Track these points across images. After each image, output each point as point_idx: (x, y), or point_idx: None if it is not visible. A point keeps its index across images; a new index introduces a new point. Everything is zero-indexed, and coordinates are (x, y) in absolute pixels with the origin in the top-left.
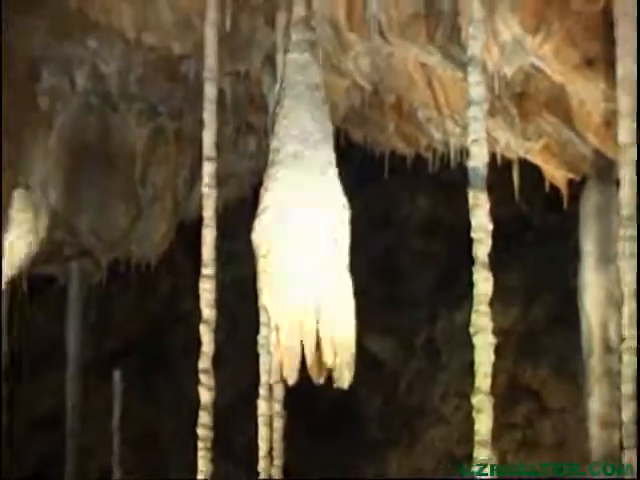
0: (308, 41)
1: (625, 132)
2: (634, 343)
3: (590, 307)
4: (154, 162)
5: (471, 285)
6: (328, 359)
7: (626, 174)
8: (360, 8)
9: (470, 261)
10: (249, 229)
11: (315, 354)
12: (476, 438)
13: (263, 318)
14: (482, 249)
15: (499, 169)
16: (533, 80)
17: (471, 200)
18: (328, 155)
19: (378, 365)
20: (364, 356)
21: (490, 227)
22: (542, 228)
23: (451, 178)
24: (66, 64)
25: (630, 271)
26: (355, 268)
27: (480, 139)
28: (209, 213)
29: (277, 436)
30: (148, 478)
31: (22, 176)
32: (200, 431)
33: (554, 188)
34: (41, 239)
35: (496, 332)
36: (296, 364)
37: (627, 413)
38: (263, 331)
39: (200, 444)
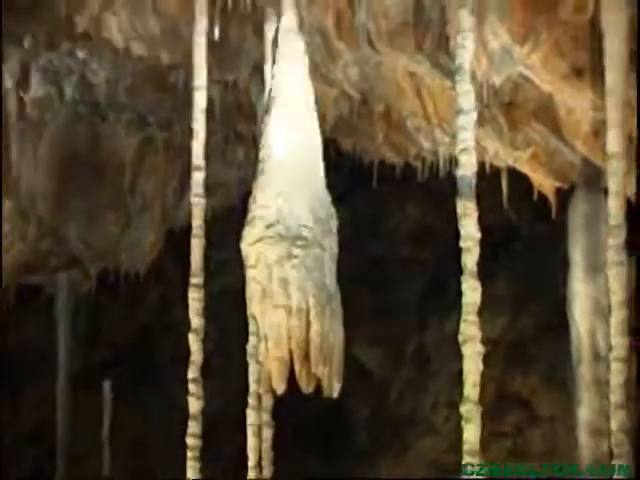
0: (297, 50)
1: (613, 141)
2: (622, 352)
3: (579, 316)
4: (143, 172)
5: (460, 294)
6: (317, 369)
7: (614, 183)
8: (349, 17)
9: (459, 270)
10: (238, 238)
11: (304, 364)
12: (465, 447)
13: (252, 328)
14: (471, 258)
15: (487, 178)
16: (521, 89)
17: (460, 209)
18: (317, 164)
19: (367, 375)
20: (353, 366)
21: (478, 236)
22: (530, 237)
23: (440, 187)
24: (55, 74)
25: (618, 280)
26: (344, 277)
27: (469, 148)
28: (198, 222)
29: (266, 446)
30: None
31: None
32: (189, 440)
33: (542, 197)
34: (29, 249)
35: (485, 341)
36: (285, 374)
37: (616, 421)
38: (252, 340)
39: (189, 453)
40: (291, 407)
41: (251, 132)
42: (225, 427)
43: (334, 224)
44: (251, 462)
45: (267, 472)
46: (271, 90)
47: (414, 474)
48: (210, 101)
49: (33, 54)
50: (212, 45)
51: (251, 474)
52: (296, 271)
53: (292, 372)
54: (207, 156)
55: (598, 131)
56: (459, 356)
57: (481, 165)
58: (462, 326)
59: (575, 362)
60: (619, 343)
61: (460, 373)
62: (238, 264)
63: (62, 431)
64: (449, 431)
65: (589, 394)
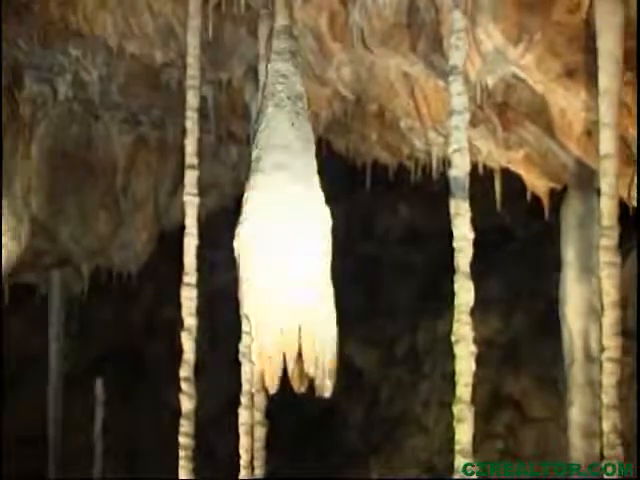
0: (290, 50)
1: (606, 143)
2: (615, 353)
3: (571, 317)
4: (136, 171)
5: (453, 294)
6: (310, 368)
7: (607, 184)
8: (342, 18)
9: (451, 270)
10: (231, 238)
11: (297, 363)
12: (457, 447)
13: (245, 327)
14: (463, 259)
15: (480, 178)
16: (515, 90)
17: (453, 209)
18: (310, 165)
19: (359, 375)
20: (346, 366)
21: (471, 236)
22: (524, 237)
23: (433, 187)
24: (48, 72)
25: (611, 281)
26: (337, 278)
27: (462, 149)
28: (191, 222)
29: (259, 445)
30: None
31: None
32: (182, 439)
33: (536, 197)
34: (23, 247)
35: (478, 341)
36: (278, 373)
37: (608, 423)
38: (245, 340)
39: (182, 452)
40: (283, 407)
41: (244, 132)
42: (217, 426)
43: (328, 225)
44: (243, 461)
45: (259, 472)
46: (264, 90)
47: (405, 474)
48: (203, 100)
49: (27, 52)
50: (206, 44)
51: (243, 473)
52: (289, 271)
53: (285, 372)
54: (200, 155)
55: (591, 131)
56: (451, 357)
57: (474, 166)
58: (455, 326)
59: (567, 363)
60: (611, 344)
61: (452, 374)
62: (231, 263)
63: (54, 430)
64: (440, 431)
65: (581, 395)
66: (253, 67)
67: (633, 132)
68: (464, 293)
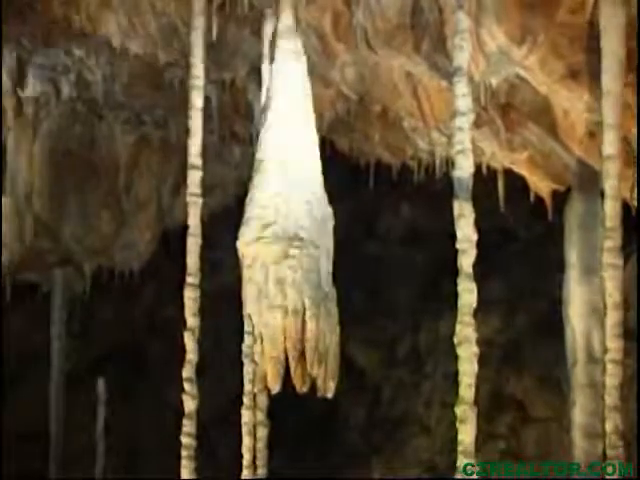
0: (294, 51)
1: (609, 144)
2: (617, 354)
3: (574, 317)
4: (139, 170)
5: (455, 295)
6: (312, 368)
7: (610, 186)
8: (346, 18)
9: (453, 271)
10: (234, 238)
11: (299, 363)
12: (459, 448)
13: (247, 327)
14: (467, 259)
15: (483, 179)
16: (518, 91)
17: (456, 210)
18: (313, 164)
19: (361, 375)
20: (347, 366)
21: (475, 237)
22: (527, 238)
23: (435, 187)
24: (51, 71)
25: (614, 282)
26: (339, 278)
27: (466, 150)
28: (194, 222)
29: (261, 445)
30: None
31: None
32: (184, 439)
33: (539, 198)
34: (25, 246)
35: (480, 342)
36: (280, 373)
37: (610, 424)
38: (247, 340)
39: (184, 452)
40: (285, 407)
41: (248, 132)
42: (220, 426)
43: (330, 224)
44: (246, 461)
45: (261, 471)
46: (268, 90)
47: (407, 474)
48: (207, 100)
49: (30, 52)
50: (209, 44)
51: (245, 473)
52: (292, 271)
53: (287, 372)
54: (203, 155)
55: (594, 133)
56: (453, 357)
57: (478, 167)
58: (458, 328)
59: (570, 364)
60: (614, 345)
61: (453, 374)
62: (234, 264)
63: (55, 429)
64: (442, 431)
65: (583, 396)
66: (256, 67)
67: (636, 133)
68: (467, 294)
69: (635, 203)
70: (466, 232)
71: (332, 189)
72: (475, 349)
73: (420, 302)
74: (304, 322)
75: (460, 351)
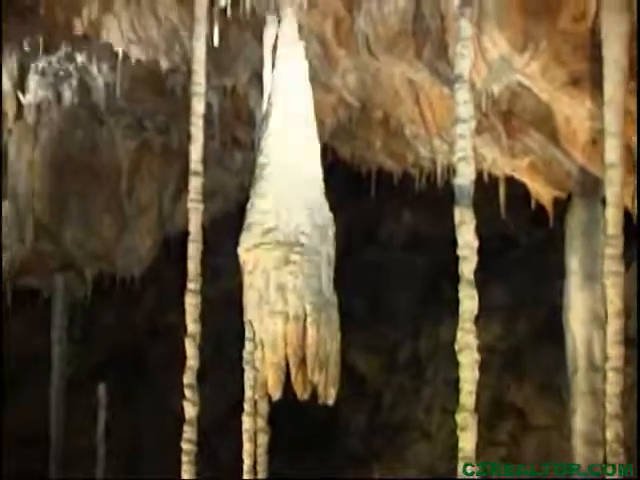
0: (296, 57)
1: (611, 151)
2: (618, 362)
3: (575, 325)
4: (140, 176)
5: (456, 301)
6: (313, 375)
7: (612, 193)
8: (348, 24)
9: (454, 278)
10: (235, 244)
11: (300, 370)
12: (460, 455)
13: (248, 333)
14: (468, 266)
15: (484, 186)
16: (520, 98)
17: (458, 217)
18: (315, 171)
19: (362, 381)
20: (348, 372)
21: (476, 244)
22: (528, 245)
23: (436, 194)
24: (53, 77)
25: (615, 290)
26: (340, 284)
27: (467, 157)
28: (195, 228)
29: (261, 451)
30: None
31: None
32: (185, 446)
33: (540, 205)
34: (27, 251)
35: (481, 349)
36: (281, 380)
37: (611, 431)
38: (248, 346)
39: (184, 458)
40: (286, 412)
41: (249, 138)
42: (220, 432)
43: (331, 231)
44: (246, 467)
45: (262, 477)
46: (270, 96)
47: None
48: (208, 106)
49: (32, 57)
50: (211, 50)
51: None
52: (293, 277)
53: (288, 378)
54: (205, 161)
55: (596, 140)
56: (453, 363)
57: (479, 173)
58: (459, 334)
59: (570, 371)
60: (615, 353)
61: (454, 380)
62: (235, 270)
63: (56, 434)
64: (443, 437)
65: (584, 403)
66: (258, 73)
67: (636, 141)
68: (468, 301)
69: (636, 211)
70: (467, 239)
71: (333, 196)
72: (476, 356)
73: (421, 308)
74: (305, 328)
75: (461, 358)
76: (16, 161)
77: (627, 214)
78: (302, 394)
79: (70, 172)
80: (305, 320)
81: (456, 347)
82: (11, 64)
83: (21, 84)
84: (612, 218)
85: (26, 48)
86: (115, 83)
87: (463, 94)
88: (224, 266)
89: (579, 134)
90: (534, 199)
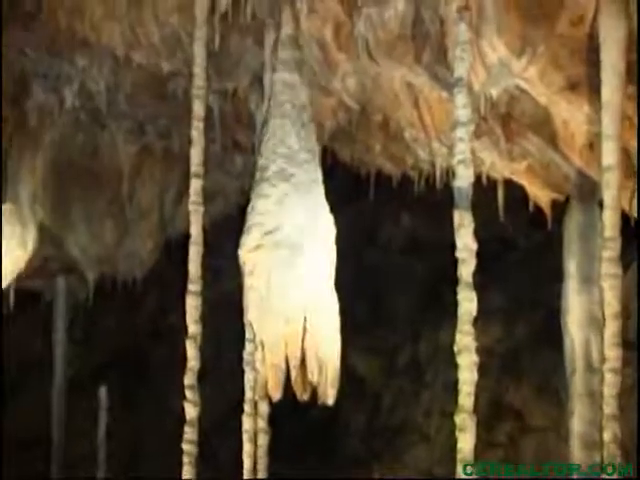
0: (295, 60)
1: (608, 155)
2: (616, 364)
3: (573, 327)
4: (141, 180)
5: (455, 304)
6: (313, 376)
7: (609, 196)
8: (348, 28)
9: (453, 280)
10: (235, 246)
11: (300, 371)
12: (459, 456)
13: (248, 334)
14: (466, 269)
15: (483, 189)
16: (518, 102)
17: (456, 220)
18: (314, 174)
19: (361, 383)
20: (348, 374)
21: (475, 247)
22: (526, 248)
23: (435, 198)
24: (55, 81)
25: (613, 292)
26: (340, 286)
27: (466, 160)
28: (196, 230)
29: (262, 452)
30: None
31: (11, 190)
32: (185, 446)
33: (538, 208)
34: (29, 254)
35: (479, 351)
36: (281, 381)
37: (608, 433)
38: (248, 348)
39: (185, 459)
40: (285, 413)
41: (250, 141)
42: (221, 433)
43: (331, 233)
44: (246, 468)
45: (262, 477)
46: (270, 99)
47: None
48: (209, 109)
49: (34, 61)
50: (212, 54)
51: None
52: (293, 279)
53: (288, 379)
54: (205, 164)
55: (593, 144)
56: (452, 366)
57: (477, 176)
58: (457, 337)
59: (568, 373)
60: (613, 355)
61: (453, 383)
62: (235, 271)
63: (57, 436)
64: (442, 440)
65: (582, 405)
66: (259, 77)
67: (635, 144)
68: (467, 303)
69: (634, 214)
70: (466, 241)
71: (333, 198)
72: (475, 358)
73: (420, 311)
74: (305, 330)
75: (460, 360)
76: (18, 165)
77: (625, 217)
78: (302, 395)
79: (72, 176)
80: (305, 321)
81: (455, 349)
82: (13, 68)
83: (23, 89)
84: (609, 221)
85: (28, 53)
86: (117, 87)
87: (462, 98)
88: (225, 268)
89: (577, 137)
90: (532, 202)
